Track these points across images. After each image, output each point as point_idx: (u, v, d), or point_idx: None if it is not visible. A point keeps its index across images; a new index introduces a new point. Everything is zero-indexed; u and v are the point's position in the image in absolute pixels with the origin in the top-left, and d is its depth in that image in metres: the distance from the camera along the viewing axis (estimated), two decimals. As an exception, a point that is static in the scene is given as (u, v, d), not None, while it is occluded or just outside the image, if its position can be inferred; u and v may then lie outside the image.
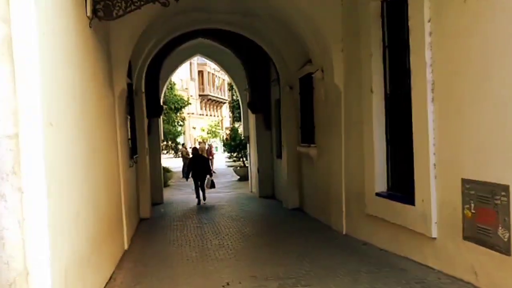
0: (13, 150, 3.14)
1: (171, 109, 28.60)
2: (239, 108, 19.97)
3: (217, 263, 6.41)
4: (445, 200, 5.09)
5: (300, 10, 8.24)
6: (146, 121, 11.60)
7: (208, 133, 39.64)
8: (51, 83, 3.63)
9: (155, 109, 13.46)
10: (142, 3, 5.51)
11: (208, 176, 13.83)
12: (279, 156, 13.09)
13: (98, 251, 5.11)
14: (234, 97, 26.09)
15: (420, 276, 5.17)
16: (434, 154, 5.22)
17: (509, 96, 4.08)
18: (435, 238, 5.26)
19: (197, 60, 46.94)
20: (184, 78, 46.67)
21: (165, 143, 24.71)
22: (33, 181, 3.22)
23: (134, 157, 9.60)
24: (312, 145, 9.96)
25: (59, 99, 3.90)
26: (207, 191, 14.00)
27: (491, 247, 4.34)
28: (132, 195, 8.86)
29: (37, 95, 3.27)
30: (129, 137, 9.02)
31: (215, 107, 60.97)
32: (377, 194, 6.68)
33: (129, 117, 9.11)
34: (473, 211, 4.60)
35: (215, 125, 42.74)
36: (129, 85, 9.16)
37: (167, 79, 16.41)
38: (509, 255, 4.12)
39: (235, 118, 27.95)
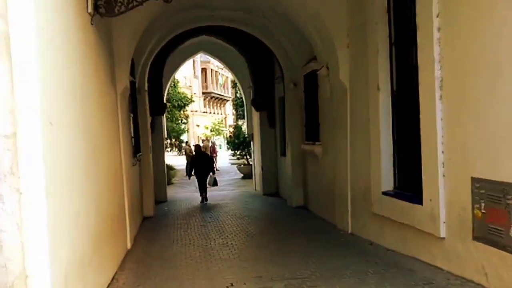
0: (11, 150, 3.05)
1: (174, 106, 28.53)
2: (242, 105, 19.88)
3: (221, 263, 6.32)
4: (454, 199, 4.97)
5: (304, 5, 8.12)
6: (149, 119, 11.53)
7: (211, 131, 39.57)
8: (50, 81, 3.54)
9: (158, 107, 13.39)
10: (144, -1, 5.42)
11: (210, 174, 13.73)
12: (283, 154, 13.00)
13: (100, 252, 5.03)
14: (238, 95, 26.02)
15: (428, 277, 5.06)
16: (443, 152, 5.10)
17: (521, 93, 3.97)
18: (443, 238, 5.15)
19: (200, 57, 46.88)
20: (187, 76, 46.62)
21: (168, 141, 24.62)
22: (31, 181, 3.13)
23: (137, 155, 9.52)
24: (317, 143, 9.86)
25: (59, 97, 3.81)
26: (210, 189, 13.90)
27: (503, 248, 4.22)
28: (135, 193, 8.78)
29: (36, 94, 3.18)
30: (132, 135, 8.95)
31: (218, 104, 60.91)
32: (384, 193, 6.57)
33: (132, 115, 9.03)
34: (483, 211, 4.49)
35: (218, 123, 42.68)
36: (132, 83, 9.08)
37: (170, 77, 16.34)
38: (521, 256, 4.02)
39: (239, 116, 27.90)
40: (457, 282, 4.80)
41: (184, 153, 26.66)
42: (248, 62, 14.54)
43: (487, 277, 4.49)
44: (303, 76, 10.62)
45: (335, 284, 5.09)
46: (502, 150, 4.23)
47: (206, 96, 56.34)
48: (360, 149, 7.40)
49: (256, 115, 15.23)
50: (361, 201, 7.43)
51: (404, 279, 5.08)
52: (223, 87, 59.37)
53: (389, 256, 6.16)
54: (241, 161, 23.24)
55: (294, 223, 9.71)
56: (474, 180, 4.60)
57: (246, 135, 19.92)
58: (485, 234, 4.48)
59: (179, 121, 31.56)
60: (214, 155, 26.61)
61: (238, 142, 22.87)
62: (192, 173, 13.89)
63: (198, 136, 45.99)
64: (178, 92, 31.69)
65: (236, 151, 23.88)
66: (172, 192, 15.85)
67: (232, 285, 5.22)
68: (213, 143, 30.49)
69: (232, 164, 25.50)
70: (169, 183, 17.59)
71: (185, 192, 16.39)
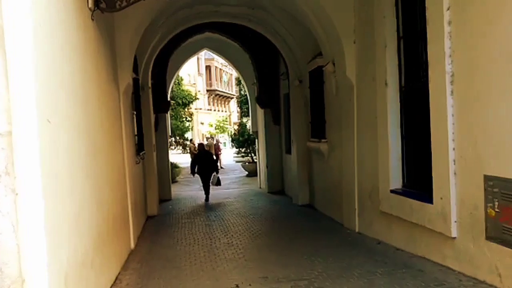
0: (5, 149, 2.92)
1: (178, 104, 28.38)
2: (247, 103, 19.74)
3: (226, 264, 6.20)
4: (466, 198, 4.82)
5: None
6: (153, 116, 11.41)
7: (216, 129, 39.42)
8: (48, 78, 3.41)
9: (162, 105, 13.30)
10: (146, -7, 5.30)
11: (214, 173, 13.53)
12: (288, 151, 12.86)
13: (102, 252, 4.91)
14: (242, 92, 25.86)
15: (439, 277, 4.91)
16: (454, 149, 4.94)
17: (538, 87, 3.80)
18: (454, 238, 5.00)
19: (204, 55, 46.78)
20: (191, 73, 46.50)
21: (173, 139, 24.50)
22: (28, 181, 2.99)
23: (141, 153, 9.41)
24: (322, 140, 9.70)
25: (58, 94, 3.68)
26: (213, 188, 13.71)
27: (518, 248, 4.08)
28: (138, 192, 8.68)
29: (32, 91, 3.04)
30: (136, 133, 8.84)
31: (223, 102, 60.79)
32: (392, 191, 6.42)
33: (135, 112, 8.92)
34: (497, 210, 4.33)
35: (223, 121, 42.50)
36: (135, 80, 8.96)
37: (174, 74, 16.26)
38: (537, 257, 3.87)
39: (243, 113, 27.73)
40: (469, 283, 4.65)
41: (188, 151, 26.55)
42: (252, 59, 14.40)
43: (501, 277, 4.34)
44: (309, 72, 10.46)
45: (343, 285, 4.95)
46: (517, 147, 4.07)
47: (211, 94, 56.24)
48: (367, 146, 7.25)
49: (260, 113, 15.10)
50: (368, 199, 7.28)
51: (414, 280, 4.93)
52: (228, 84, 59.23)
53: (397, 256, 6.01)
54: (245, 158, 23.15)
55: (300, 222, 9.58)
56: (487, 178, 4.44)
57: (250, 133, 19.81)
58: (499, 233, 4.33)
59: (184, 119, 31.44)
60: (219, 153, 26.49)
61: (243, 140, 22.77)
62: (196, 171, 13.71)
63: (202, 134, 45.88)
64: (182, 90, 31.55)
65: (240, 149, 23.78)
66: (176, 190, 15.77)
67: (237, 286, 5.08)
68: (218, 141, 30.34)
69: (237, 162, 25.41)
70: (174, 181, 17.51)
71: (190, 190, 16.29)
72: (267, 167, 14.71)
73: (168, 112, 15.32)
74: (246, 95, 19.17)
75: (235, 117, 52.06)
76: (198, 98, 38.71)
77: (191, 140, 32.92)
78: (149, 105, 10.95)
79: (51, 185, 3.29)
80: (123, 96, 7.09)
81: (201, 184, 13.76)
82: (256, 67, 14.46)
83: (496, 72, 4.30)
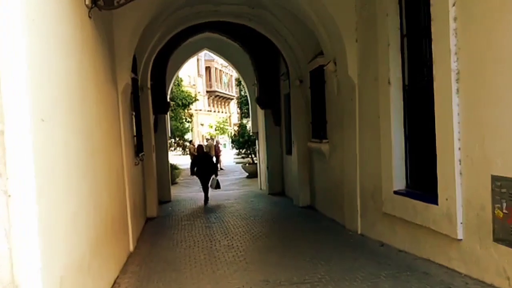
0: (-3, 149, 2.82)
1: (178, 105, 28.33)
2: (247, 104, 19.63)
3: (227, 267, 6.07)
4: (472, 198, 4.70)
5: (310, -2, 7.86)
6: (152, 117, 11.28)
7: (216, 130, 39.30)
8: (42, 77, 3.29)
9: (161, 105, 13.17)
10: (144, -10, 5.18)
11: (213, 176, 13.33)
12: (289, 152, 12.74)
13: (100, 255, 4.80)
14: (242, 93, 25.78)
15: (445, 280, 4.80)
16: (460, 149, 4.83)
17: (547, 85, 3.69)
18: (460, 240, 4.88)
19: (204, 56, 46.68)
20: (191, 74, 46.41)
21: (172, 140, 24.41)
22: (21, 183, 2.88)
23: (140, 154, 9.29)
24: (324, 140, 9.58)
25: (53, 93, 3.57)
26: (213, 190, 13.52)
27: (527, 250, 3.97)
28: (138, 194, 8.56)
29: (25, 89, 2.93)
30: (135, 134, 8.72)
31: (223, 103, 60.68)
32: (396, 192, 6.30)
33: (134, 113, 8.80)
34: (505, 211, 4.22)
35: (223, 122, 42.36)
36: (134, 80, 8.84)
37: (174, 75, 16.14)
38: (548, 260, 3.75)
39: (244, 114, 27.64)
40: (477, 286, 4.54)
41: (188, 152, 26.44)
42: (253, 59, 14.28)
43: (509, 280, 4.23)
44: (309, 72, 10.35)
45: (346, 288, 4.85)
46: (526, 146, 3.96)
47: (210, 95, 56.13)
48: (369, 146, 7.14)
49: (261, 113, 14.99)
50: (370, 200, 7.16)
51: (419, 282, 4.82)
52: (228, 85, 59.12)
53: (401, 258, 5.89)
54: (246, 160, 23.02)
55: (301, 224, 9.46)
56: (494, 178, 4.33)
57: (251, 134, 19.70)
58: (507, 235, 4.22)
59: (183, 120, 31.36)
60: (219, 154, 26.35)
61: (243, 141, 22.65)
62: (195, 173, 13.50)
63: (202, 135, 45.75)
64: (182, 91, 31.49)
65: (240, 150, 23.66)
66: (176, 192, 15.65)
67: (238, 289, 4.98)
68: (218, 142, 30.21)
69: (237, 163, 25.27)
70: (174, 182, 17.38)
71: (190, 192, 16.15)
72: (267, 168, 14.59)
73: (168, 113, 15.20)
74: (246, 96, 19.08)
75: (235, 118, 51.94)
76: (198, 99, 38.63)
77: (190, 141, 32.86)
78: (149, 106, 10.82)
79: (46, 186, 3.18)
80: (122, 96, 6.97)
81: (201, 186, 13.61)
82: (256, 67, 14.34)
83: (503, 69, 4.19)
